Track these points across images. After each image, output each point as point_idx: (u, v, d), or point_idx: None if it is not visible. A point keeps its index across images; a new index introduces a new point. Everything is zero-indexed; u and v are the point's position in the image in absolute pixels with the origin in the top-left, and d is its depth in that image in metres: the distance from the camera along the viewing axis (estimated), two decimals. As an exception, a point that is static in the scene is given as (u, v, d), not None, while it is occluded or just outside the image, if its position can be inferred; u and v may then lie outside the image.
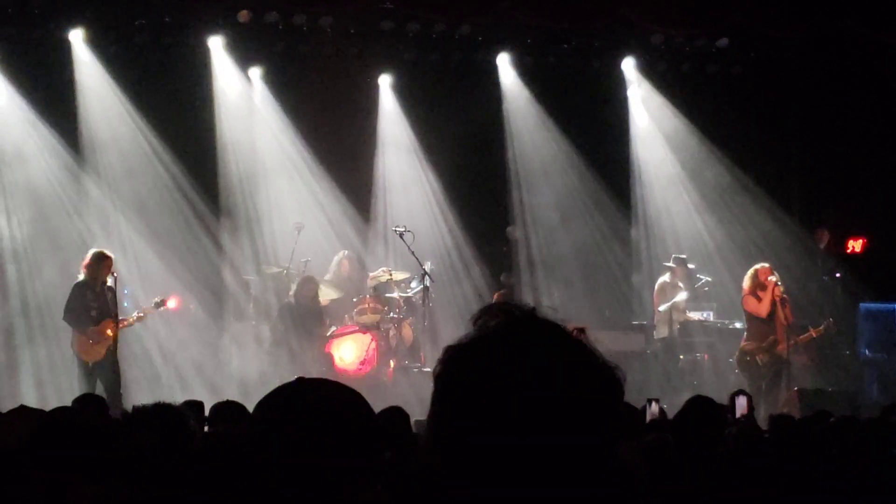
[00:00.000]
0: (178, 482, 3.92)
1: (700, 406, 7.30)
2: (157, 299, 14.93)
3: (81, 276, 14.15)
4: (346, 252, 17.95)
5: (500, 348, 1.92)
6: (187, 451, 4.07)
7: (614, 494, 1.92)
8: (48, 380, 15.75)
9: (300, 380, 2.88)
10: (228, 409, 8.18)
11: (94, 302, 14.04)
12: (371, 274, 17.54)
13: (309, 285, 16.53)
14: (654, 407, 10.08)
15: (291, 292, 16.61)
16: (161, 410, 4.40)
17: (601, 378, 1.94)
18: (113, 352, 14.06)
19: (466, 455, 1.88)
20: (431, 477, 1.93)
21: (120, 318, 14.28)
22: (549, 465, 1.87)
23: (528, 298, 18.07)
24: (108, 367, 13.99)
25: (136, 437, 3.97)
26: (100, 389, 13.71)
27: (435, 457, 1.93)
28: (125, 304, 15.09)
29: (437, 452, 1.92)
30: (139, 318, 14.75)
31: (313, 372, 15.77)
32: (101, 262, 14.06)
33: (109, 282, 14.21)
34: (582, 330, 2.00)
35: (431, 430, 1.95)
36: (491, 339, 1.94)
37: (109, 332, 13.99)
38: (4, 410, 6.92)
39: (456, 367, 1.95)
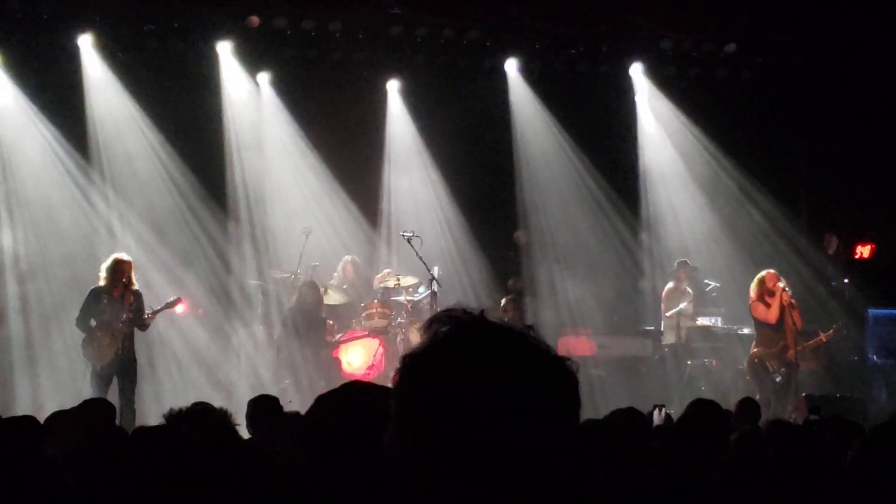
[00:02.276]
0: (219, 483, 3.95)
1: (703, 410, 7.29)
2: (169, 299, 14.89)
3: (101, 282, 14.19)
4: (350, 257, 17.99)
5: (452, 352, 1.99)
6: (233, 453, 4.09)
7: (572, 484, 1.97)
8: (62, 385, 15.77)
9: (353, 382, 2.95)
10: (267, 404, 8.24)
11: (107, 306, 14.05)
12: (377, 276, 17.57)
13: (310, 290, 16.53)
14: (662, 413, 10.06)
15: (294, 298, 16.63)
16: (206, 411, 4.41)
17: (552, 370, 2.00)
18: (125, 355, 14.06)
19: (428, 457, 1.94)
20: (398, 481, 1.96)
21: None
22: (509, 460, 1.92)
23: (535, 303, 18.09)
24: (124, 373, 14.00)
25: (183, 436, 3.98)
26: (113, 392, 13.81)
27: (398, 461, 1.98)
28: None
29: (400, 456, 1.98)
30: (150, 319, 14.67)
31: (320, 376, 15.81)
32: (115, 268, 14.09)
33: (136, 286, 14.30)
34: (531, 327, 2.05)
35: (394, 436, 2.01)
36: (442, 345, 2.01)
37: (115, 336, 13.98)
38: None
39: (411, 374, 2.02)
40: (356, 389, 2.98)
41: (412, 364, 2.02)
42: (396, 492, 1.99)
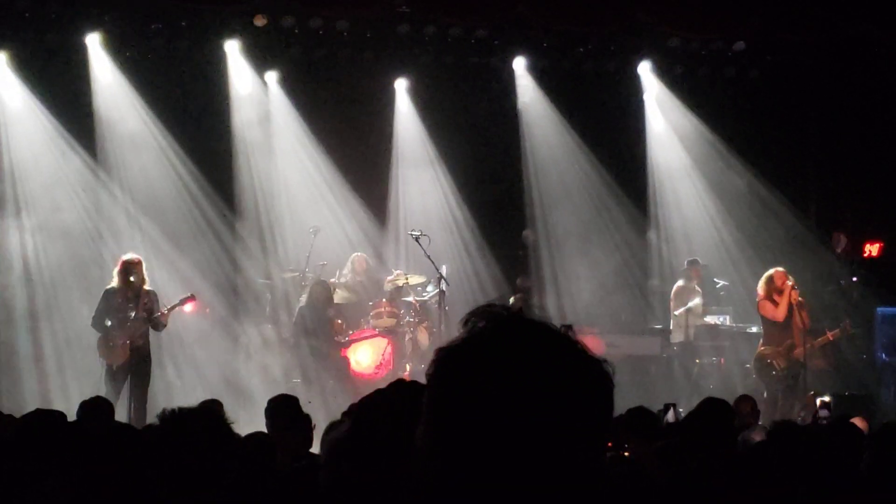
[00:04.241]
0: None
1: (712, 408, 7.30)
2: (182, 296, 14.92)
3: (114, 282, 14.26)
4: (361, 253, 17.96)
5: (490, 348, 1.96)
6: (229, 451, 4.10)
7: (604, 488, 1.97)
8: (69, 384, 15.79)
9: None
10: (286, 404, 8.25)
11: (120, 305, 14.11)
12: (388, 278, 17.55)
13: (322, 289, 16.53)
14: (672, 412, 10.07)
15: (304, 296, 16.63)
16: (199, 409, 4.41)
17: (590, 372, 1.98)
18: (139, 354, 14.13)
19: (461, 454, 1.92)
20: (428, 478, 1.96)
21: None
22: (544, 460, 1.90)
23: (543, 302, 18.07)
24: (136, 372, 14.06)
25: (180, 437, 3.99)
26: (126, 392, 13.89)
27: (430, 457, 1.96)
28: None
29: (433, 453, 1.96)
30: (165, 317, 14.68)
31: (329, 375, 15.82)
32: (125, 268, 14.16)
33: (148, 286, 14.34)
34: (569, 327, 2.02)
35: (426, 432, 1.99)
36: (480, 340, 1.98)
37: (129, 336, 14.02)
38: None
39: (447, 368, 1.99)
40: (397, 388, 2.97)
41: (448, 358, 2.00)
42: (426, 487, 1.97)
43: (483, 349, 1.97)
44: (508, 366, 1.93)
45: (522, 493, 1.90)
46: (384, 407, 2.92)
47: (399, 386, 3.00)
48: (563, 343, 1.99)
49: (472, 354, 1.97)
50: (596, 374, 1.99)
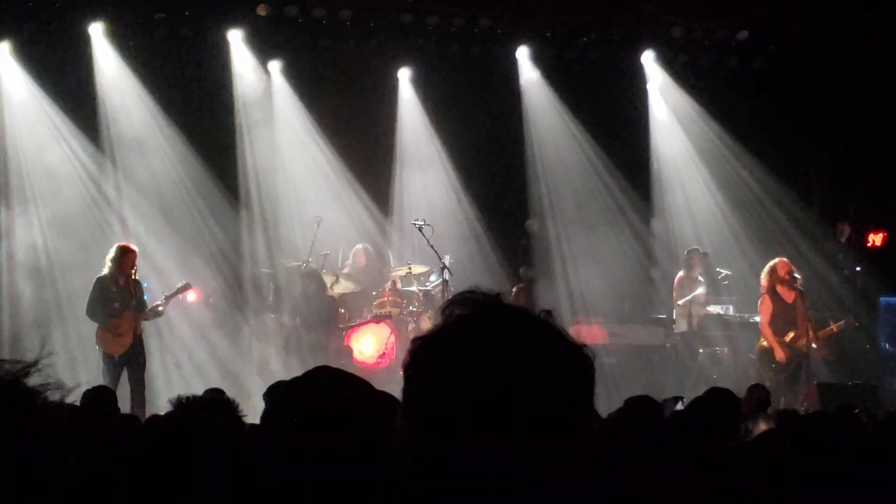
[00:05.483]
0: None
1: (717, 397, 7.29)
2: (179, 284, 14.98)
3: (105, 270, 14.25)
4: (363, 245, 17.96)
5: (467, 336, 1.94)
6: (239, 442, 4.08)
7: (587, 474, 1.95)
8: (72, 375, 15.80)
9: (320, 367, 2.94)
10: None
11: (116, 295, 14.13)
12: (391, 273, 17.55)
13: (311, 280, 16.58)
14: (678, 404, 10.04)
15: (299, 288, 16.66)
16: (215, 400, 4.39)
17: (570, 357, 1.96)
18: (137, 344, 14.18)
19: (440, 446, 1.90)
20: (406, 465, 1.94)
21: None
22: (525, 449, 1.89)
23: (546, 292, 18.05)
24: (133, 360, 14.10)
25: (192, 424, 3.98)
26: (124, 381, 13.90)
27: (409, 446, 1.94)
28: (145, 297, 15.08)
29: (411, 444, 1.94)
30: (163, 305, 14.77)
31: (332, 364, 15.80)
32: (123, 256, 14.17)
33: (137, 275, 14.37)
34: (549, 312, 2.00)
35: (404, 423, 1.97)
36: (457, 328, 1.96)
37: (131, 324, 14.08)
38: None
39: (424, 357, 1.98)
40: (314, 376, 2.96)
41: (425, 346, 1.98)
42: (403, 478, 1.95)
43: (460, 337, 1.94)
44: (486, 353, 1.91)
45: (504, 484, 1.88)
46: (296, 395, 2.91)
47: (317, 373, 2.99)
48: (542, 329, 1.97)
49: (448, 343, 1.95)
50: (576, 359, 1.97)
